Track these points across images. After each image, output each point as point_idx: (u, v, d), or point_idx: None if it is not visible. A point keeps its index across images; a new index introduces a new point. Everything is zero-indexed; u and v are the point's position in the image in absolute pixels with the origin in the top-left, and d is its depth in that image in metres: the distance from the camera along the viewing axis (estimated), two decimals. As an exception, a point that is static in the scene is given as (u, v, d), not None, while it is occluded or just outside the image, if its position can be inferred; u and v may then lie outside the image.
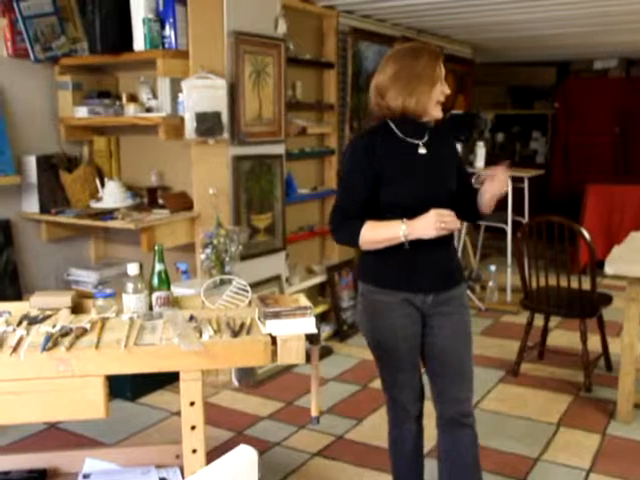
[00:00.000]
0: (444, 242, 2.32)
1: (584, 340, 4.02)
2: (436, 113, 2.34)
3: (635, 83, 7.92)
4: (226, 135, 3.76)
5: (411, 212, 2.23)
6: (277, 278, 4.31)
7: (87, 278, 4.16)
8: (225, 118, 3.72)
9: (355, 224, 2.26)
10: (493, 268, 5.87)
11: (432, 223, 2.17)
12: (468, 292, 5.65)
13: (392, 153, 2.29)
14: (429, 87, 2.28)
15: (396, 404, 2.50)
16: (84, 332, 2.24)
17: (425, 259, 2.32)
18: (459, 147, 5.21)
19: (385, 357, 2.42)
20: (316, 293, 4.95)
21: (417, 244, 2.24)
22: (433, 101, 2.30)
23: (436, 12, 4.79)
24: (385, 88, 2.30)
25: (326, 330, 4.83)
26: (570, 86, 8.23)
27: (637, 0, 4.28)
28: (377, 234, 2.25)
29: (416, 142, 2.34)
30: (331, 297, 4.92)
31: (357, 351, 4.67)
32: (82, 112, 3.98)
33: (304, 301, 2.42)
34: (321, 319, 4.87)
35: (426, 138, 2.36)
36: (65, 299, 2.55)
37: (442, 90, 2.32)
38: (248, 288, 2.67)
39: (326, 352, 4.58)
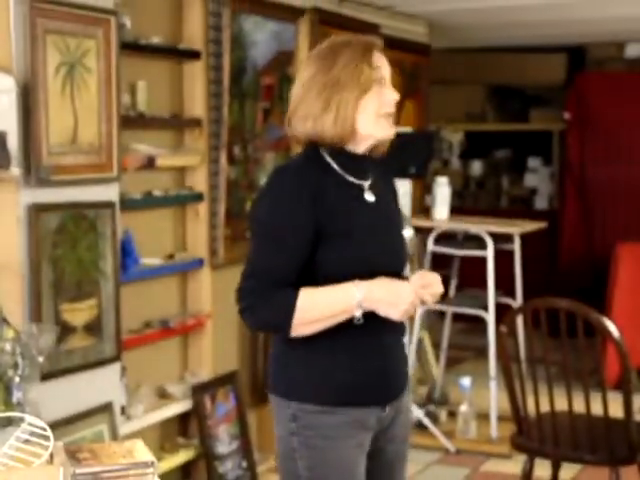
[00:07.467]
0: (398, 323, 2.58)
1: (618, 503, 4.08)
2: (384, 131, 2.54)
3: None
4: (15, 170, 3.71)
5: None
6: (106, 409, 4.26)
7: None
8: (14, 142, 3.68)
9: (283, 295, 2.46)
10: (467, 383, 5.96)
11: (406, 300, 2.43)
12: (428, 423, 5.72)
13: (334, 199, 2.52)
14: (356, 95, 2.48)
15: None
16: None
17: (385, 349, 2.58)
18: (406, 187, 5.26)
19: None
20: (174, 431, 4.93)
21: (370, 325, 2.48)
22: (371, 115, 2.50)
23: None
24: (294, 104, 2.55)
25: (192, 495, 4.78)
26: (588, 85, 8.55)
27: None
28: (321, 304, 2.46)
29: (360, 183, 2.60)
30: (200, 437, 4.89)
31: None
32: None
33: (143, 452, 2.38)
34: (183, 475, 4.82)
35: (370, 178, 2.63)
36: None
37: (385, 97, 2.50)
38: (49, 432, 2.59)
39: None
